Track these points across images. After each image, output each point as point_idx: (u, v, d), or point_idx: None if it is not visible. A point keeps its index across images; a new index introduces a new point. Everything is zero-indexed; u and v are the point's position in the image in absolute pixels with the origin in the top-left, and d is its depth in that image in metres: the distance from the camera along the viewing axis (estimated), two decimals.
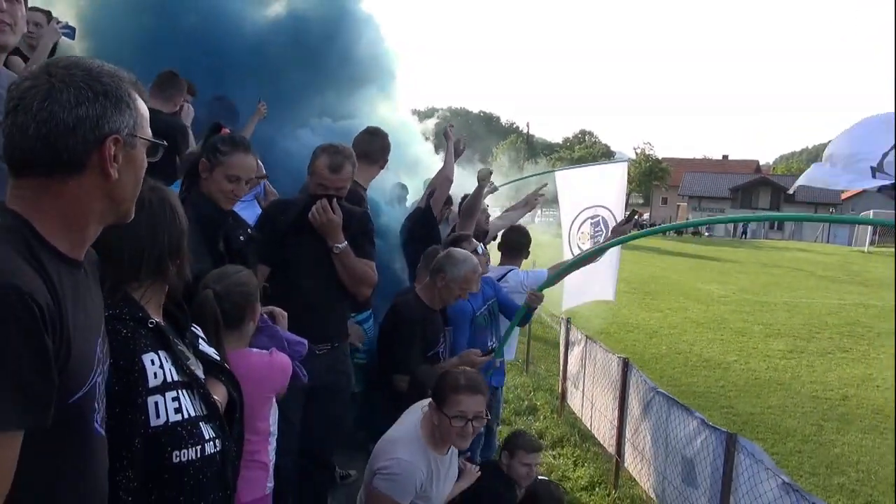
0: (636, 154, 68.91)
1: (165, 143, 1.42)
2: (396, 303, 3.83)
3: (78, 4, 5.26)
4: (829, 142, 4.53)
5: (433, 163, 6.81)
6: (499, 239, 5.36)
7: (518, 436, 4.07)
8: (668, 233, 54.25)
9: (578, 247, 6.70)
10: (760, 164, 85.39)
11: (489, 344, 4.33)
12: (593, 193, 5.46)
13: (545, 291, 4.24)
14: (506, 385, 8.47)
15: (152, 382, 1.61)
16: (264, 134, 4.98)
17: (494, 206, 7.15)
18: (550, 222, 6.77)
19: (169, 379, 1.64)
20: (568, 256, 6.59)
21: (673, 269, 25.88)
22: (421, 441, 2.83)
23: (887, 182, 3.72)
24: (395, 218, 5.29)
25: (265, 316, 2.61)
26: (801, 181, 4.43)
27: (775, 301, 17.80)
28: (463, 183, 5.29)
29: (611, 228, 6.62)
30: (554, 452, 6.37)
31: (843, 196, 63.32)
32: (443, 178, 4.91)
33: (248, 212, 3.72)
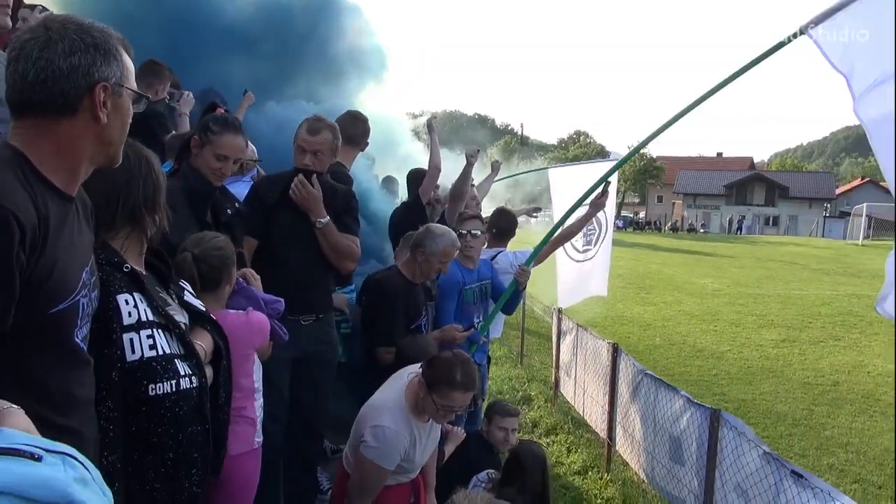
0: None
1: (149, 97, 1.56)
2: (379, 278, 3.96)
3: None
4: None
5: (424, 161, 6.92)
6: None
7: (494, 403, 4.22)
8: (663, 230, 54.39)
9: (571, 244, 6.80)
10: (755, 161, 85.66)
11: (475, 320, 4.44)
12: (584, 190, 5.56)
13: (542, 290, 4.40)
14: (500, 377, 8.64)
15: (126, 321, 1.76)
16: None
17: (492, 200, 7.27)
18: (548, 222, 6.86)
19: (143, 318, 1.79)
20: (560, 252, 6.69)
21: (668, 264, 26.01)
22: (405, 410, 2.93)
23: None
24: (386, 206, 5.39)
25: (240, 279, 2.72)
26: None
27: (769, 293, 17.93)
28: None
29: (603, 227, 6.76)
30: (548, 440, 6.47)
31: (838, 191, 63.66)
32: (431, 167, 5.04)
33: (239, 188, 3.84)
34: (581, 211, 5.56)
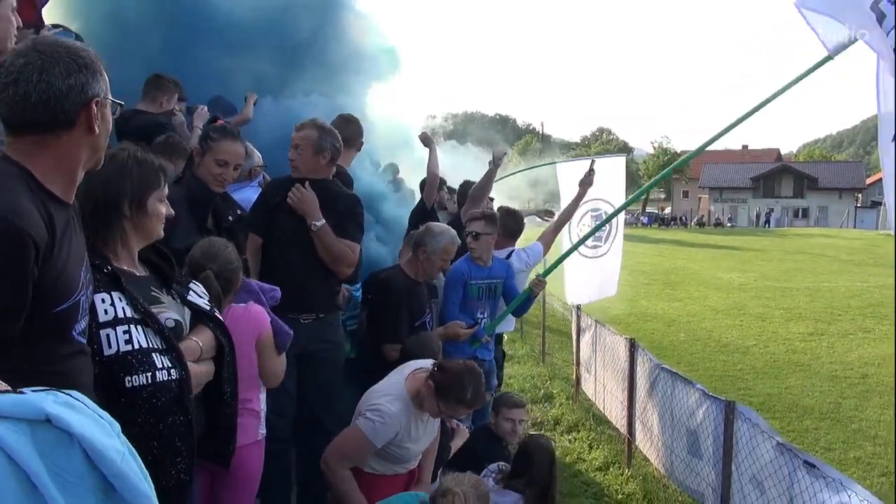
0: (654, 148, 68.44)
1: (122, 103, 1.73)
2: (383, 277, 4.05)
3: None
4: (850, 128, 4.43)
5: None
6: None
7: (501, 395, 4.27)
8: (689, 225, 53.80)
9: (578, 236, 6.82)
10: (782, 152, 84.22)
11: (478, 315, 4.49)
12: (594, 187, 5.62)
13: (559, 287, 4.46)
14: (522, 375, 8.67)
15: (102, 318, 1.87)
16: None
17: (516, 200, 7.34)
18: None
19: (120, 315, 1.91)
20: (567, 246, 6.73)
21: (694, 259, 25.76)
22: (405, 398, 3.03)
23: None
24: (401, 210, 5.47)
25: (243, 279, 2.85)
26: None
27: (797, 286, 17.67)
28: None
29: (614, 226, 6.79)
30: (570, 437, 6.48)
31: (869, 181, 62.33)
32: (429, 176, 5.35)
33: (246, 193, 3.97)
34: (573, 193, 5.66)
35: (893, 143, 2.77)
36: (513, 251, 5.13)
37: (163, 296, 2.14)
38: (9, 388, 1.08)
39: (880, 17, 2.86)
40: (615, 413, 6.21)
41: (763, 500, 3.61)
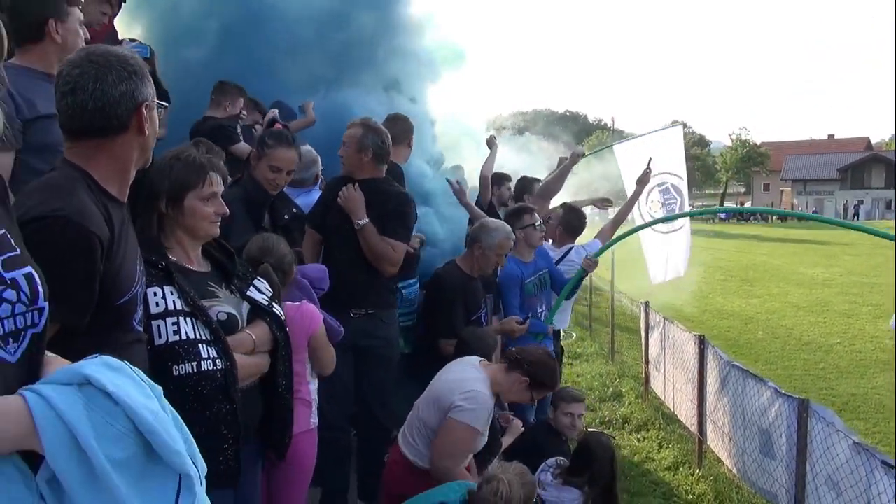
0: (731, 140, 66.03)
1: (167, 104, 1.78)
2: (438, 272, 4.11)
3: None
4: None
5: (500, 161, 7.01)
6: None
7: (560, 390, 4.22)
8: (770, 219, 51.70)
9: (651, 216, 6.71)
10: (873, 141, 79.56)
11: (539, 311, 4.52)
12: (655, 161, 5.55)
13: (629, 282, 4.43)
14: (591, 374, 8.56)
15: (154, 310, 1.99)
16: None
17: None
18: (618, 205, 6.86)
19: (171, 308, 2.02)
20: (644, 231, 6.67)
21: (774, 255, 24.73)
22: (487, 384, 3.09)
23: None
24: (456, 211, 5.50)
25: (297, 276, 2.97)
26: None
27: (887, 282, 16.68)
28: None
29: (683, 197, 6.64)
30: (639, 436, 6.36)
31: None
32: (481, 177, 5.48)
33: (311, 197, 4.11)
34: (634, 173, 5.59)
35: None
36: (572, 248, 5.10)
37: (220, 290, 2.24)
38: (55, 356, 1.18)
39: None
40: (685, 412, 6.05)
41: (839, 501, 3.46)
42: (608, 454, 3.55)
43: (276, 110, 4.95)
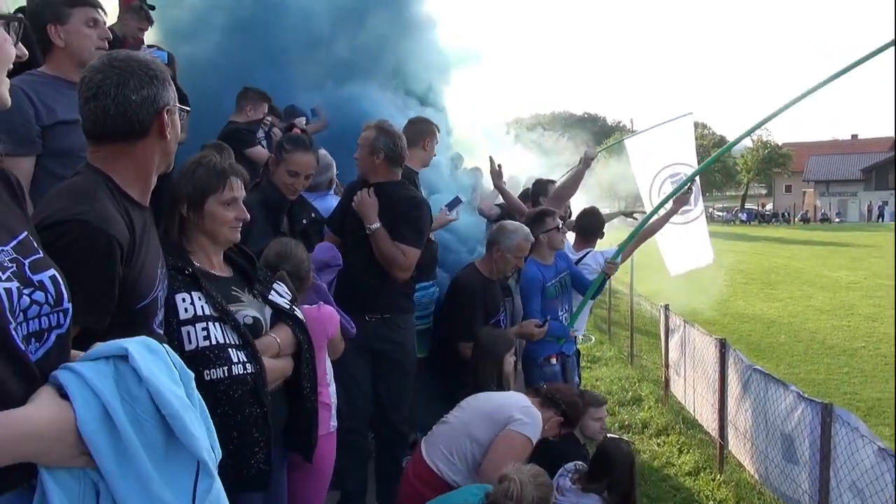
0: (753, 141, 65.29)
1: (189, 109, 1.79)
2: (457, 275, 4.13)
3: None
4: None
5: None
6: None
7: (584, 394, 4.21)
8: (792, 221, 51.02)
9: (664, 207, 6.69)
10: None
11: (560, 313, 4.50)
12: (666, 152, 5.50)
13: (648, 283, 4.40)
14: (610, 377, 8.49)
15: (183, 315, 2.02)
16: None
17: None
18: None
19: (199, 313, 2.04)
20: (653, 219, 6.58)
21: (797, 257, 24.40)
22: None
23: None
24: (471, 217, 5.48)
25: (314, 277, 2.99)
26: None
27: None
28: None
29: (696, 184, 6.58)
30: (659, 440, 6.30)
31: None
32: (556, 194, 5.29)
33: (326, 202, 4.11)
34: (647, 165, 5.50)
35: None
36: (589, 251, 5.07)
37: (243, 295, 2.27)
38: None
39: None
40: (706, 416, 5.99)
41: None
42: (628, 461, 3.52)
43: (304, 118, 5.01)
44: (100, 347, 1.15)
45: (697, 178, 6.89)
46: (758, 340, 10.70)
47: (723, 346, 5.45)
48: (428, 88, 6.35)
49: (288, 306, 2.38)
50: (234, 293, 2.24)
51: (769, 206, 65.11)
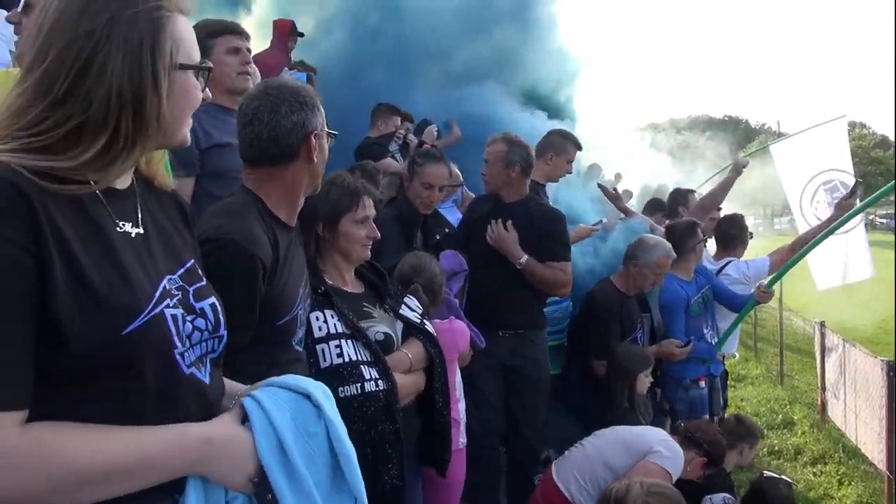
0: None
1: (336, 133, 1.89)
2: (593, 290, 3.98)
3: None
4: None
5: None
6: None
7: (742, 420, 3.95)
8: None
9: (817, 218, 6.13)
10: None
11: (705, 331, 4.27)
12: (818, 158, 5.03)
13: (800, 298, 4.10)
14: (757, 398, 7.93)
15: (317, 334, 2.06)
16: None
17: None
18: (788, 221, 6.32)
19: (332, 331, 2.09)
20: (804, 229, 6.06)
21: None
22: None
23: None
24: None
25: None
26: None
27: None
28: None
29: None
30: (815, 469, 5.80)
31: None
32: (706, 201, 5.06)
33: (448, 216, 4.12)
34: (794, 173, 5.05)
35: None
36: (730, 262, 4.74)
37: (375, 310, 2.30)
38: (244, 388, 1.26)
39: None
40: (870, 445, 5.43)
41: None
42: None
43: (435, 127, 5.12)
44: (285, 379, 1.22)
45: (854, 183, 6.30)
46: None
47: (891, 369, 4.93)
48: (552, 91, 6.28)
49: (419, 320, 2.40)
50: (365, 309, 2.28)
51: None
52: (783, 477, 3.69)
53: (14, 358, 0.90)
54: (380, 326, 2.27)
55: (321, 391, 1.21)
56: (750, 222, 5.86)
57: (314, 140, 1.76)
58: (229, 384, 1.26)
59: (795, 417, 7.11)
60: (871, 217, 48.37)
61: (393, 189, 3.74)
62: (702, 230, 4.41)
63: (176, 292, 1.11)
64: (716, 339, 4.43)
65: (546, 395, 3.73)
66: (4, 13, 3.33)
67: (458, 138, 5.23)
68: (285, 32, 5.54)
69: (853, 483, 5.36)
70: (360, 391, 2.06)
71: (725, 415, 4.46)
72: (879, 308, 11.94)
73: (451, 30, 5.70)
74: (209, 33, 2.59)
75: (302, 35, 5.68)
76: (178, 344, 1.07)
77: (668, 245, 3.92)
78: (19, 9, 2.30)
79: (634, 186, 6.85)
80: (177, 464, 1.03)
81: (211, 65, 1.20)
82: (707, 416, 4.11)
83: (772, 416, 7.22)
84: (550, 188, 4.31)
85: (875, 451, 5.26)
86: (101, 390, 0.98)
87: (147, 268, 1.07)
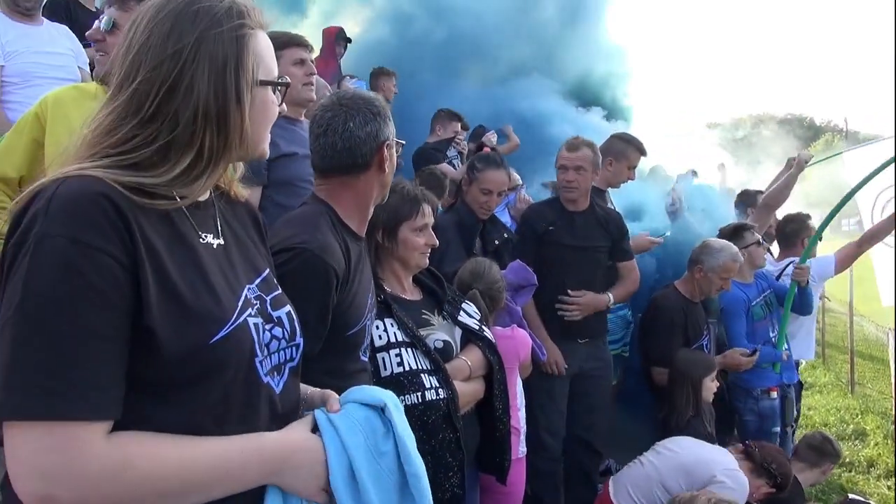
0: None
1: (404, 142, 1.93)
2: (656, 296, 3.90)
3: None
4: None
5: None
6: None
7: (828, 441, 3.80)
8: None
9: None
10: None
11: (771, 335, 4.12)
12: (890, 171, 4.77)
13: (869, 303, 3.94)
14: (826, 407, 7.64)
15: (378, 343, 2.06)
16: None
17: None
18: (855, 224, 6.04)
19: (392, 340, 2.09)
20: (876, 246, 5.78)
21: None
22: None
23: None
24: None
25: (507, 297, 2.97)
26: None
27: None
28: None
29: None
30: (889, 483, 5.54)
31: None
32: (768, 200, 4.95)
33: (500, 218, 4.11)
34: (862, 204, 4.82)
35: None
36: (791, 262, 4.57)
37: (433, 318, 2.31)
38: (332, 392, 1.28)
39: None
40: None
41: None
42: None
43: (494, 133, 5.13)
44: (360, 392, 1.23)
45: None
46: None
47: None
48: (604, 88, 6.22)
49: (477, 327, 2.39)
50: (424, 316, 2.28)
51: None
52: (869, 501, 3.54)
53: (105, 369, 0.93)
54: (439, 334, 2.28)
55: (393, 403, 1.22)
56: (816, 223, 5.63)
57: (386, 150, 1.78)
58: (302, 387, 1.28)
59: (867, 428, 6.81)
60: None
61: (451, 195, 3.76)
62: (756, 231, 4.27)
63: (255, 301, 1.13)
64: (786, 345, 4.27)
65: (609, 397, 3.72)
66: (63, 28, 3.48)
67: (517, 145, 5.22)
68: (332, 39, 5.64)
69: None
70: (420, 400, 2.06)
71: (809, 431, 4.32)
72: None
73: (496, 28, 5.73)
74: (276, 46, 2.65)
75: (349, 41, 5.77)
76: (259, 352, 1.09)
77: (735, 249, 3.80)
78: (102, 26, 2.37)
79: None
80: (254, 475, 1.05)
81: (289, 80, 1.23)
82: (778, 429, 3.97)
83: (842, 426, 6.94)
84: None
85: None
86: (184, 396, 1.01)
87: (229, 278, 1.10)
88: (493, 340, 2.42)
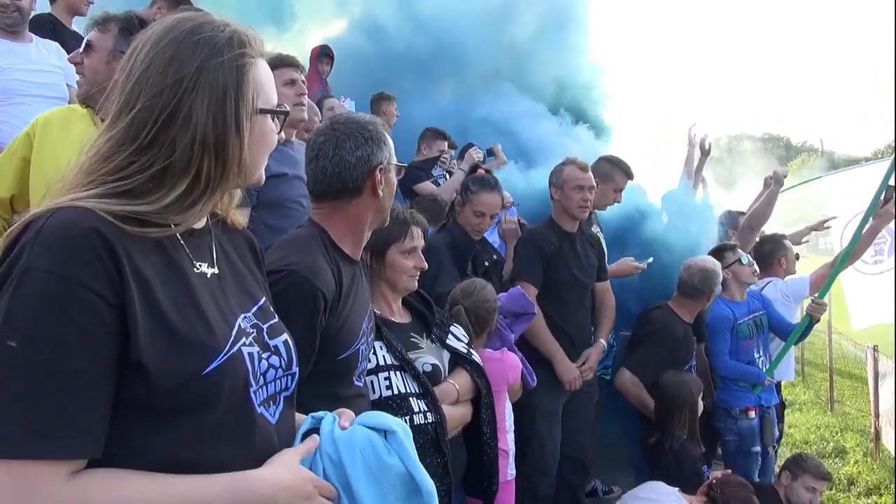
0: None
1: (406, 165, 1.92)
2: (651, 316, 3.93)
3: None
4: None
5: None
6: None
7: (805, 458, 3.81)
8: None
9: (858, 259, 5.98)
10: None
11: (756, 356, 4.14)
12: (866, 197, 4.85)
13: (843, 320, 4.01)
14: (806, 425, 7.69)
15: (367, 366, 2.00)
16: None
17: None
18: (828, 244, 6.16)
19: (381, 363, 2.07)
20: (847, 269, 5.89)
21: None
22: None
23: None
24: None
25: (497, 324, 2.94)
26: None
27: None
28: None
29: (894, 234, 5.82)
30: (869, 500, 5.59)
31: None
32: (752, 218, 4.94)
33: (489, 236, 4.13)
34: (845, 210, 4.92)
35: None
36: (769, 282, 4.63)
37: (422, 341, 2.30)
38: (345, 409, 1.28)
39: None
40: None
41: None
42: None
43: (481, 152, 5.14)
44: (367, 417, 1.24)
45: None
46: None
47: None
48: (581, 99, 6.29)
49: (465, 350, 2.39)
50: (412, 339, 2.27)
51: None
52: None
53: (78, 407, 0.90)
54: (427, 357, 2.27)
55: (403, 431, 1.24)
56: (791, 232, 5.72)
57: (379, 174, 1.77)
58: (297, 417, 1.26)
59: (847, 445, 6.87)
60: None
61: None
62: (734, 252, 4.32)
63: (251, 330, 1.13)
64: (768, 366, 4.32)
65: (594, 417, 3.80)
66: (54, 45, 3.46)
67: (504, 163, 5.23)
68: (314, 59, 5.63)
69: None
70: (408, 424, 2.05)
71: (803, 453, 4.34)
72: None
73: (471, 35, 5.80)
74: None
75: (332, 56, 5.76)
76: (253, 382, 1.08)
77: (718, 266, 3.92)
78: (81, 50, 2.36)
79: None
80: None
81: (288, 109, 1.23)
82: (759, 448, 3.99)
83: (822, 444, 6.99)
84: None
85: None
86: (177, 427, 0.99)
87: (222, 307, 1.09)
88: (481, 364, 2.42)
